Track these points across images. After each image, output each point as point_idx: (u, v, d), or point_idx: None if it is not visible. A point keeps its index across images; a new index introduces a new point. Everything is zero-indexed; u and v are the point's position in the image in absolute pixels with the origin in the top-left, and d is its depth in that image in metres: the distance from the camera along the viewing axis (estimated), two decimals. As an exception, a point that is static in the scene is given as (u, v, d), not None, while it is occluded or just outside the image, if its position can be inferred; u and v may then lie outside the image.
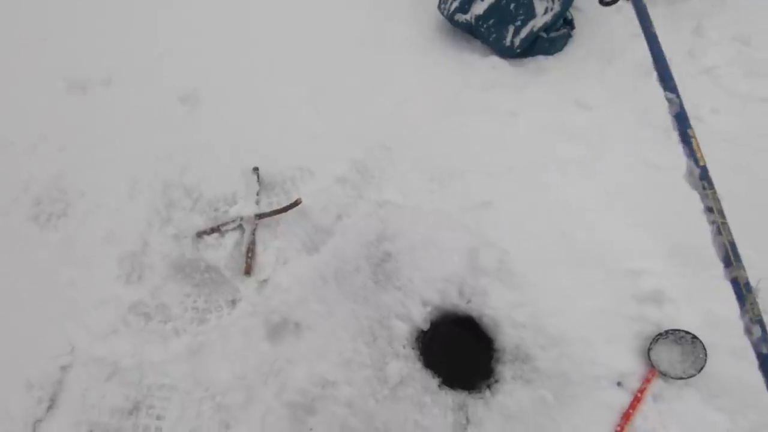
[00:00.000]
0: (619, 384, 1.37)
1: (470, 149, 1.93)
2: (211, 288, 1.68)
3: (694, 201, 1.72)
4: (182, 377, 1.50)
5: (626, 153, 1.86)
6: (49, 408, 1.48)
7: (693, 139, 1.05)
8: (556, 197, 1.76)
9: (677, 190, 1.74)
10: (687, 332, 1.37)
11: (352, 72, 2.22)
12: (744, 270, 0.92)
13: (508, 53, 2.18)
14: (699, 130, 1.94)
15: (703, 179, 1.01)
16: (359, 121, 2.05)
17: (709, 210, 0.96)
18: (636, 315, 1.48)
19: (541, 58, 2.20)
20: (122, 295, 1.67)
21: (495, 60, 2.19)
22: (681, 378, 1.35)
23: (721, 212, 0.95)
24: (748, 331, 0.88)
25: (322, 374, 1.46)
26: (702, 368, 1.34)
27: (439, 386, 1.43)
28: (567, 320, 1.48)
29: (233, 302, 1.64)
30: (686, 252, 1.59)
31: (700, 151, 1.04)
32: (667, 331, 1.39)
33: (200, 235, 1.77)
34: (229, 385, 1.48)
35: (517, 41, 2.12)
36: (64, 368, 1.54)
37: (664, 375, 1.37)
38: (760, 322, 0.88)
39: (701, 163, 1.03)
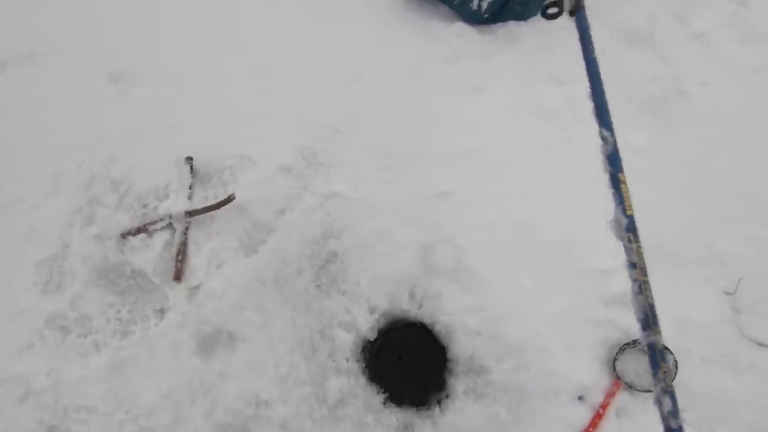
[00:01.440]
0: (580, 398, 1.24)
1: (430, 131, 1.72)
2: (137, 296, 1.52)
3: (674, 192, 1.56)
4: (102, 397, 1.35)
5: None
6: (-44, 434, 1.34)
7: (623, 185, 0.90)
8: (522, 185, 1.58)
9: (656, 179, 1.58)
10: (656, 342, 1.23)
11: (302, 46, 1.97)
12: (661, 335, 0.80)
13: (476, 18, 1.94)
14: (684, 106, 1.76)
15: (629, 231, 0.88)
16: (308, 102, 1.83)
17: (632, 265, 0.84)
18: (602, 319, 1.33)
19: (512, 24, 1.96)
20: (38, 305, 1.50)
21: (461, 27, 1.95)
22: (648, 391, 1.22)
23: (644, 270, 0.83)
24: (659, 402, 0.83)
25: (255, 392, 1.32)
26: (672, 380, 1.21)
27: (383, 403, 1.30)
28: (526, 326, 1.34)
29: (161, 312, 1.48)
30: (661, 249, 1.43)
31: (630, 199, 0.89)
32: (635, 341, 1.25)
33: (125, 236, 1.59)
34: (154, 405, 1.33)
35: (484, 4, 1.87)
36: (-28, 389, 1.39)
37: (629, 387, 1.24)
38: (672, 395, 0.82)
39: (629, 213, 0.90)
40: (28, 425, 1.33)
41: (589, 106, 1.68)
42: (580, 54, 0.97)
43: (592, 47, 0.96)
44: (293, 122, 1.79)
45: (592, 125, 1.68)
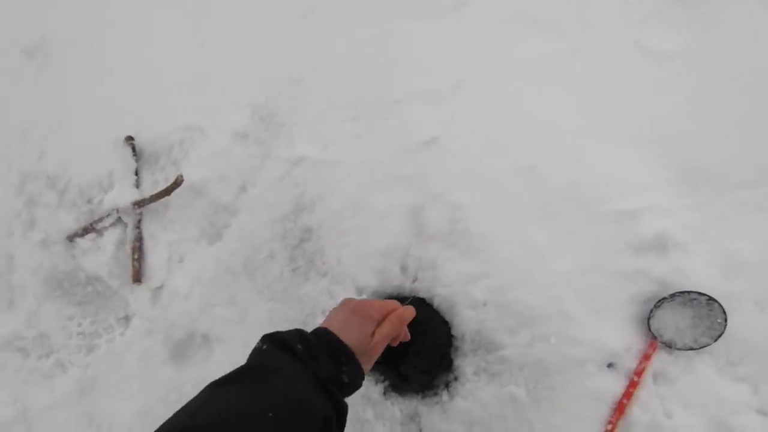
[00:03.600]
0: (610, 366, 1.06)
1: (404, 66, 1.42)
2: (97, 305, 1.34)
3: (713, 104, 1.26)
4: (75, 422, 1.23)
5: (617, 39, 1.34)
6: (-68, 476, 1.25)
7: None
8: (521, 120, 1.30)
9: (690, 89, 1.27)
10: (700, 293, 1.02)
11: (239, -23, 1.62)
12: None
13: None
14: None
15: None
16: (255, 50, 1.52)
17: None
18: (631, 271, 1.11)
19: None
20: (-8, 328, 1.35)
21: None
22: (691, 348, 1.03)
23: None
24: None
25: (239, 398, 1.17)
26: (719, 336, 1.01)
27: (383, 394, 1.14)
28: (540, 290, 1.13)
29: (126, 319, 1.32)
30: (699, 173, 1.17)
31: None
32: (673, 294, 1.03)
33: (72, 238, 1.39)
34: (132, 425, 1.21)
35: None
36: (-61, 427, 1.28)
37: (668, 346, 1.04)
38: None
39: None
40: (3, 460, 1.22)
41: (601, 3, 1.36)
42: None
43: None
44: (242, 77, 1.50)
45: (606, 30, 1.36)
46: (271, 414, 0.54)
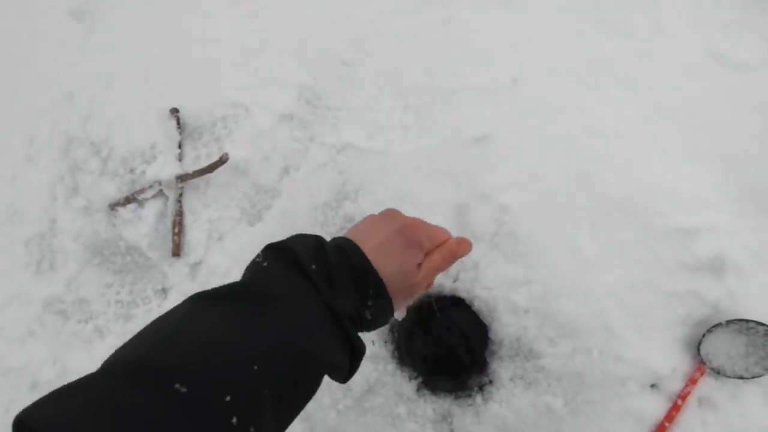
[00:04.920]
0: (653, 387, 1.03)
1: (459, 57, 1.37)
2: (136, 275, 1.36)
3: (787, 115, 1.19)
4: (112, 387, 1.26)
5: (689, 43, 1.27)
6: (-26, 425, 1.30)
7: None
8: (580, 122, 1.25)
9: (761, 101, 1.20)
10: (759, 323, 0.98)
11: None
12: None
13: None
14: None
15: None
16: (306, 27, 1.48)
17: None
18: (683, 291, 1.07)
19: None
20: (33, 288, 1.38)
21: None
22: (742, 377, 1.00)
23: None
24: None
25: (272, 381, 1.18)
26: (774, 367, 0.98)
27: (417, 391, 1.13)
28: (587, 302, 1.10)
29: (163, 291, 1.33)
30: (764, 196, 1.11)
31: None
32: (729, 321, 0.99)
33: (113, 207, 1.39)
34: (166, 395, 1.23)
35: None
36: (-18, 379, 1.32)
37: (717, 372, 1.01)
38: None
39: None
40: (42, 416, 1.26)
41: (678, 2, 1.28)
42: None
43: None
44: (290, 56, 1.46)
45: (677, 33, 1.29)
46: (259, 366, 0.40)
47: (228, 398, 0.38)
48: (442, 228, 0.64)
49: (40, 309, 1.35)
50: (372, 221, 0.58)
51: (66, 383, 0.43)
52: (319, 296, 0.47)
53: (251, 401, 0.39)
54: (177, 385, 0.37)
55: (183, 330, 0.43)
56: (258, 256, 0.51)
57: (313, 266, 0.48)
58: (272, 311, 0.44)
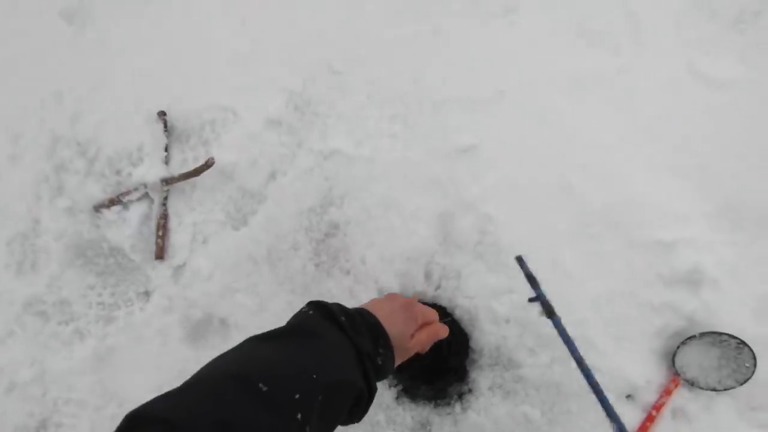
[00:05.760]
0: (628, 397, 1.05)
1: (447, 68, 1.38)
2: (118, 276, 1.35)
3: (761, 133, 1.22)
4: (91, 390, 1.25)
5: (670, 61, 1.29)
6: (-52, 426, 1.28)
7: None
8: (563, 134, 1.27)
9: (739, 118, 1.23)
10: (732, 336, 1.00)
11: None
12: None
13: None
14: None
15: None
16: (296, 34, 1.49)
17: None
18: (661, 303, 1.09)
19: None
20: (15, 288, 1.37)
21: None
22: (714, 389, 1.01)
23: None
24: None
25: (253, 386, 1.17)
26: (746, 380, 1.00)
27: (396, 399, 1.14)
28: (566, 312, 1.10)
29: (146, 294, 1.32)
30: (741, 211, 1.14)
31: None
32: (703, 333, 1.01)
33: (98, 209, 1.39)
34: (145, 398, 1.21)
35: None
36: (-42, 380, 1.30)
37: (690, 384, 1.03)
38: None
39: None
40: (17, 418, 1.25)
41: (659, 21, 1.31)
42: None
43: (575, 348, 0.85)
44: (280, 62, 1.47)
45: (658, 50, 1.32)
46: (315, 375, 0.52)
47: (297, 396, 0.49)
48: (431, 309, 0.85)
49: (21, 309, 1.34)
50: (380, 300, 0.79)
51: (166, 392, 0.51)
52: (348, 338, 0.62)
53: (310, 402, 0.50)
54: (260, 385, 0.47)
55: (252, 353, 0.56)
56: (304, 307, 0.68)
57: (343, 318, 0.64)
58: (317, 344, 0.59)
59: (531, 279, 0.94)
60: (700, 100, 1.25)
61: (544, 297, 0.91)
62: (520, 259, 0.98)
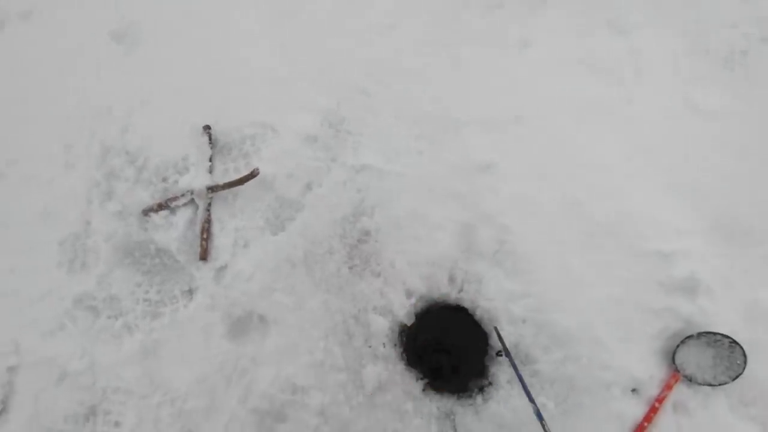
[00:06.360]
0: (634, 391, 1.17)
1: (468, 93, 1.54)
2: (164, 276, 1.46)
3: (748, 156, 1.38)
4: (137, 380, 1.35)
5: (667, 93, 1.46)
6: (1, 412, 1.37)
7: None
8: (573, 155, 1.42)
9: (728, 144, 1.39)
10: (725, 336, 1.13)
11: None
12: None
13: (522, -45, 1.66)
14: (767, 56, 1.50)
15: None
16: (330, 59, 1.65)
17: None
18: (662, 308, 1.22)
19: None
20: (66, 285, 1.47)
21: (504, -35, 1.68)
22: (710, 384, 1.14)
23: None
24: None
25: (290, 378, 1.28)
26: (737, 376, 1.12)
27: (423, 390, 1.25)
28: (577, 315, 1.24)
29: (190, 292, 1.43)
30: (732, 226, 1.28)
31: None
32: (699, 333, 1.14)
33: (147, 213, 1.51)
34: (189, 388, 1.32)
35: (534, -63, 1.60)
36: (11, 369, 1.40)
37: (689, 380, 1.15)
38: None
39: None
40: (68, 406, 1.34)
41: (659, 57, 1.47)
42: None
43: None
44: (316, 83, 1.62)
45: (657, 83, 1.48)
46: None
47: None
48: None
49: (71, 305, 1.44)
50: None
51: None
52: None
53: None
54: None
55: None
56: None
57: None
58: None
59: (504, 346, 1.12)
60: (694, 127, 1.40)
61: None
62: (496, 329, 1.17)
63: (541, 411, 1.15)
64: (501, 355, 1.09)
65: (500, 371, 1.24)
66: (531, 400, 0.87)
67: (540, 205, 1.37)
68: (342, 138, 1.54)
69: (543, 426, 0.87)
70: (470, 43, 1.60)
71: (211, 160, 1.55)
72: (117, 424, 1.32)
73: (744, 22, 1.53)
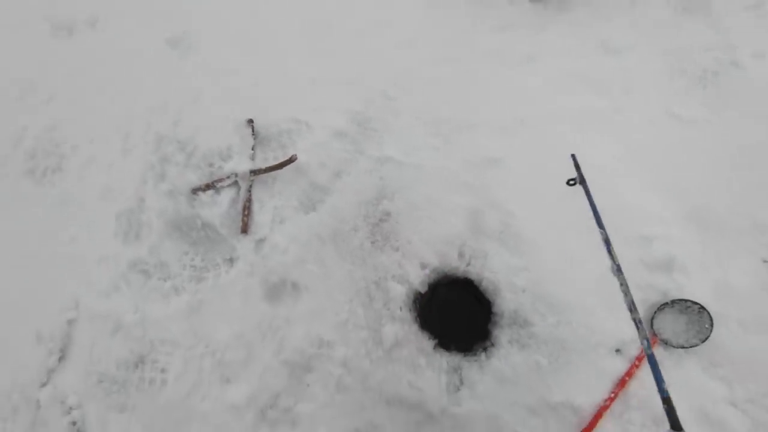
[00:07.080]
0: (617, 351, 1.35)
1: (479, 99, 1.78)
2: (208, 246, 1.67)
3: (719, 159, 1.59)
4: (183, 333, 1.53)
5: (651, 104, 1.69)
6: (60, 359, 1.55)
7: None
8: (569, 154, 1.63)
9: (702, 148, 1.61)
10: (694, 302, 1.32)
11: (352, 9, 2.02)
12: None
13: (528, -14, 1.94)
14: (737, 78, 1.74)
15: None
16: (357, 66, 1.90)
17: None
18: (643, 283, 1.42)
19: (565, -9, 1.95)
20: (121, 252, 1.67)
21: (512, -6, 1.95)
22: (683, 347, 1.32)
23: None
24: None
25: (318, 334, 1.47)
26: (706, 339, 1.30)
27: (434, 348, 1.43)
28: (570, 287, 1.43)
29: (231, 261, 1.63)
30: (705, 216, 1.48)
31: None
32: (673, 301, 1.33)
33: (195, 191, 1.73)
34: (229, 342, 1.50)
35: (538, -29, 1.87)
36: (70, 322, 1.58)
37: (665, 343, 1.33)
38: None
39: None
40: (120, 354, 1.52)
41: (644, 75, 1.71)
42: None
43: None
44: (346, 87, 1.86)
45: (643, 96, 1.71)
46: None
47: None
48: None
49: (126, 268, 1.64)
50: None
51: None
52: None
53: None
54: None
55: None
56: None
57: None
58: None
59: (578, 168, 1.20)
60: (674, 134, 1.63)
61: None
62: (573, 157, 1.23)
63: (535, 368, 1.33)
64: (573, 184, 1.21)
65: (501, 333, 1.42)
66: (600, 226, 1.06)
67: (541, 195, 1.58)
68: (368, 134, 1.78)
69: (609, 251, 0.99)
70: (482, 57, 1.85)
71: (253, 148, 1.78)
72: (163, 370, 1.50)
73: (716, 47, 1.78)
